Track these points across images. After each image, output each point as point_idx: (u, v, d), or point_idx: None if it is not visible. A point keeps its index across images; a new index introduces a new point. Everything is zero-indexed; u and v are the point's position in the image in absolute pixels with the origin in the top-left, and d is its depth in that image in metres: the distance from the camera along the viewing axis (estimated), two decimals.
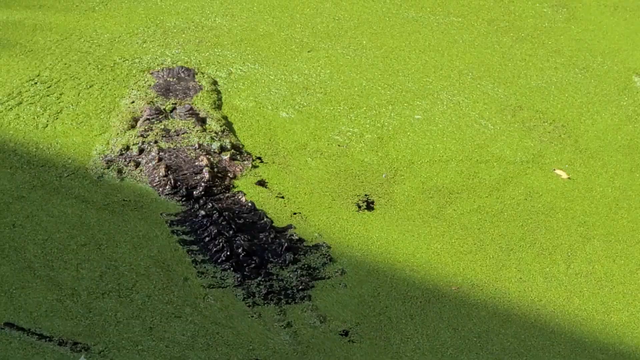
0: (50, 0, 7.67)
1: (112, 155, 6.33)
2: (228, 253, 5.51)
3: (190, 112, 6.82)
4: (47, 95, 6.58)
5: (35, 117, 6.35)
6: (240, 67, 7.26)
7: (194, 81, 7.23)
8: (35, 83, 6.66)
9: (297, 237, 5.70)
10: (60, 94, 6.63)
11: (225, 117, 6.81)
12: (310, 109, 6.68)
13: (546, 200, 5.87)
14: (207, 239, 5.64)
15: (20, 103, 6.43)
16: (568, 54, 7.54)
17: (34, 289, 4.74)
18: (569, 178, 6.09)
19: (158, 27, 7.64)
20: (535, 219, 5.71)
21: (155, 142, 6.49)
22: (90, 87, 6.81)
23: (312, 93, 6.83)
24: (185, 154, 6.43)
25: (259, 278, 5.38)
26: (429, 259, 5.37)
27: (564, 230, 5.65)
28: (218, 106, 6.97)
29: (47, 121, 6.32)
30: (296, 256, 5.59)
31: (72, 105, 6.55)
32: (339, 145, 6.25)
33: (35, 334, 4.47)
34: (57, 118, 6.37)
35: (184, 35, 7.57)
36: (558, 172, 6.13)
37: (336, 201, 5.74)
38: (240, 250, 5.53)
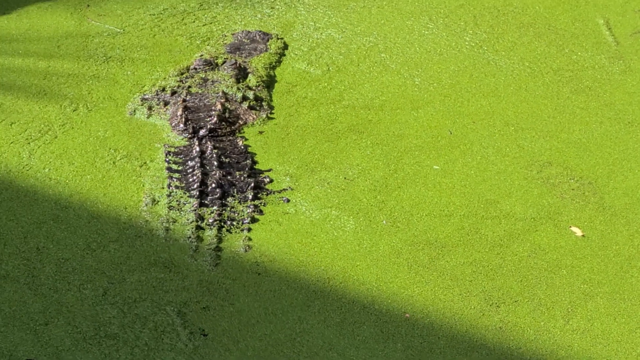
0: None
1: (149, 95, 7.51)
2: (198, 183, 6.45)
3: (234, 66, 7.95)
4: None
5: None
6: (318, 40, 8.47)
7: (265, 44, 8.43)
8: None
9: (268, 180, 6.65)
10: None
11: (269, 76, 7.94)
12: (343, 106, 7.45)
13: (552, 257, 6.02)
14: (189, 170, 6.63)
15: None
16: (618, 107, 7.68)
17: None
18: (583, 236, 6.21)
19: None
20: (537, 275, 5.87)
21: (189, 87, 7.68)
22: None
23: (354, 96, 7.58)
24: (207, 99, 7.53)
25: (214, 207, 6.29)
26: (398, 297, 5.70)
27: (566, 287, 5.81)
28: (271, 67, 8.12)
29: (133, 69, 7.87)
30: (258, 195, 6.50)
31: (152, 55, 8.03)
32: (345, 178, 6.65)
33: None
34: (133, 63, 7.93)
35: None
36: (574, 229, 6.27)
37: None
38: (209, 182, 6.48)
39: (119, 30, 8.39)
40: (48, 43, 8.10)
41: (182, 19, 8.83)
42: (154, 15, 8.75)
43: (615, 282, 5.88)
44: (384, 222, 6.24)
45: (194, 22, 8.72)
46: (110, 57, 8.02)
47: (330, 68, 8.09)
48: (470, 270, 5.90)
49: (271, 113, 7.53)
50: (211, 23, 8.68)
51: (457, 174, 6.72)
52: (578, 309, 5.66)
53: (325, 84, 7.85)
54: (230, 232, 6.16)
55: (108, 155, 6.83)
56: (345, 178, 6.62)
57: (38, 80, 7.54)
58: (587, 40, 8.66)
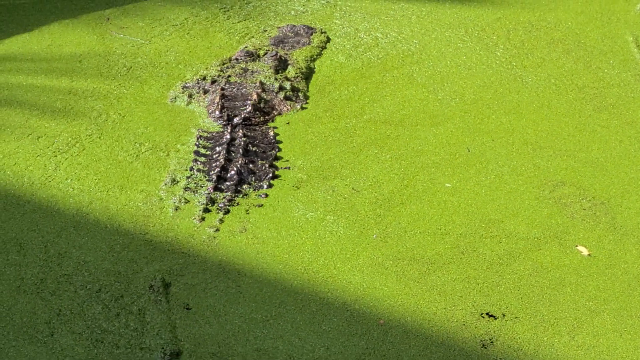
0: None
1: (190, 84, 7.90)
2: (219, 169, 6.72)
3: (274, 57, 8.31)
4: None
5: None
6: (362, 37, 8.97)
7: (308, 38, 8.85)
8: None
9: (287, 169, 6.94)
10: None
11: (309, 68, 8.36)
12: (365, 120, 7.60)
13: (555, 275, 6.01)
14: (215, 155, 6.91)
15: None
16: None
17: None
18: (589, 255, 6.21)
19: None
20: (539, 293, 5.86)
21: (229, 76, 8.04)
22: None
23: (375, 110, 7.79)
24: (244, 89, 7.84)
25: (229, 192, 6.60)
26: (378, 304, 5.79)
27: (570, 304, 5.80)
28: (312, 59, 8.54)
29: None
30: (274, 184, 6.76)
31: (186, 56, 8.47)
32: (352, 189, 6.78)
33: None
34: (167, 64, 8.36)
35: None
36: (580, 248, 6.27)
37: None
38: (230, 168, 6.77)
39: (143, 41, 8.67)
40: (70, 58, 8.42)
41: (212, 22, 9.16)
42: (176, 25, 9.05)
43: (622, 299, 5.86)
44: (374, 236, 6.33)
45: (228, 19, 9.22)
46: (135, 66, 8.31)
47: (363, 67, 8.46)
48: (461, 286, 5.93)
49: (306, 104, 7.83)
50: (241, 35, 9.01)
51: (466, 193, 6.76)
52: (584, 325, 5.66)
53: (352, 92, 8.05)
54: (232, 214, 6.48)
55: (133, 149, 7.16)
56: (353, 188, 6.76)
57: (63, 95, 7.83)
58: (615, 57, 8.67)
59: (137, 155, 7.08)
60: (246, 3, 9.68)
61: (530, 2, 9.84)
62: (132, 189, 6.71)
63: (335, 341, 5.52)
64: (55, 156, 7.03)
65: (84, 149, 7.10)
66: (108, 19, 9.05)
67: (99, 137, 7.28)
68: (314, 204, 6.61)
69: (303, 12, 9.49)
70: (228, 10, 9.46)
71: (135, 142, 7.24)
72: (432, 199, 6.69)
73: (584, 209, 6.65)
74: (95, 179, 6.79)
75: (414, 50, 8.80)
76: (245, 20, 9.30)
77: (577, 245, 6.30)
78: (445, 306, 5.77)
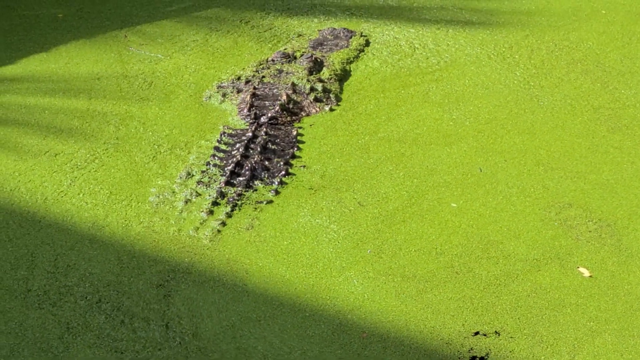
0: None
1: (225, 83, 8.17)
2: (234, 164, 6.92)
3: (310, 59, 8.53)
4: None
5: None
6: (402, 44, 9.26)
7: (347, 41, 9.06)
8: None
9: (302, 168, 7.11)
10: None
11: (344, 70, 8.57)
12: (378, 138, 7.74)
13: (554, 296, 6.02)
14: (234, 151, 7.12)
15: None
16: None
17: None
18: (590, 276, 6.21)
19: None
20: (538, 314, 5.87)
21: (263, 77, 8.28)
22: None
23: (389, 128, 7.89)
24: (276, 89, 8.07)
25: (239, 187, 6.76)
26: (369, 318, 5.89)
27: (570, 325, 5.82)
28: (348, 62, 8.76)
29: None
30: (285, 182, 6.93)
31: (214, 63, 8.80)
32: (358, 203, 6.88)
33: None
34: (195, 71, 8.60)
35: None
36: (581, 269, 6.28)
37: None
38: (244, 164, 6.96)
39: (162, 57, 8.88)
40: (88, 76, 8.61)
41: (238, 33, 9.38)
42: (196, 41, 9.25)
43: (624, 320, 5.87)
44: (369, 251, 6.41)
45: (252, 29, 9.46)
46: (157, 80, 8.52)
47: (393, 76, 8.69)
48: (455, 305, 5.97)
49: (336, 105, 8.04)
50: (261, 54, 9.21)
51: (470, 213, 6.81)
52: (584, 345, 5.67)
53: (375, 106, 8.17)
54: (240, 210, 6.68)
55: (151, 150, 7.41)
56: (359, 203, 6.87)
57: (81, 113, 8.01)
58: (633, 78, 8.67)
59: (153, 156, 7.31)
60: (266, 14, 9.89)
61: (556, 20, 9.89)
62: (147, 185, 6.97)
63: (314, 346, 5.65)
64: (72, 172, 7.21)
65: (103, 165, 7.29)
66: (126, 36, 9.26)
67: (116, 151, 7.46)
68: (320, 212, 6.74)
69: (342, 16, 9.78)
70: (249, 22, 9.66)
71: (155, 144, 7.47)
72: (434, 218, 6.75)
73: (590, 231, 6.66)
74: (108, 192, 6.97)
75: (442, 65, 8.92)
76: (270, 29, 9.50)
77: (578, 267, 6.31)
78: (434, 325, 5.84)
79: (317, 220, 6.66)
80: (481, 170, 7.28)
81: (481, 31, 9.65)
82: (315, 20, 9.75)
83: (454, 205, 6.90)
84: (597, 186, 7.16)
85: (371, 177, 7.19)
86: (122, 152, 7.43)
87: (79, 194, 6.93)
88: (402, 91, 8.44)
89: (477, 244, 6.50)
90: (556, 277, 6.21)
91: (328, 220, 6.67)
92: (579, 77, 8.71)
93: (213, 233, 6.42)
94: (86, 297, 5.96)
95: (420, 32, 9.59)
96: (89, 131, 7.74)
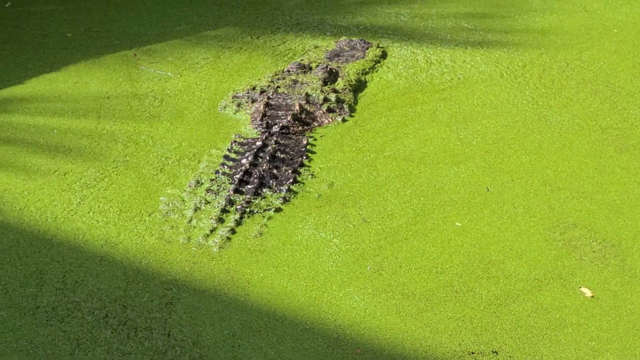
0: None
1: (240, 93, 8.26)
2: (242, 172, 7.03)
3: (325, 70, 8.62)
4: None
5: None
6: (419, 59, 9.42)
7: (363, 52, 9.14)
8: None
9: (310, 176, 7.21)
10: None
11: (359, 81, 8.67)
12: (384, 156, 7.78)
13: (555, 316, 6.01)
14: (243, 159, 7.23)
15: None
16: None
17: None
18: (592, 297, 6.21)
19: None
20: (538, 334, 5.87)
21: (277, 87, 8.36)
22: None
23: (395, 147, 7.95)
24: (290, 99, 8.16)
25: (248, 195, 6.87)
26: (368, 334, 5.93)
27: (572, 345, 5.81)
28: (363, 73, 8.84)
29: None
30: (293, 190, 7.04)
31: (226, 78, 8.89)
32: (363, 219, 6.93)
33: None
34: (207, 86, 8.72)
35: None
36: (583, 289, 6.28)
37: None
38: (253, 172, 7.05)
39: (172, 75, 8.99)
40: (98, 95, 8.73)
41: (250, 48, 9.48)
42: (207, 59, 9.36)
43: (626, 339, 5.87)
44: (369, 267, 6.45)
45: (265, 43, 9.59)
46: (167, 98, 8.63)
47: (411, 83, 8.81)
48: (454, 324, 5.98)
49: (349, 116, 8.13)
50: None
51: (473, 233, 6.84)
52: None
53: (384, 123, 8.21)
54: (249, 217, 6.81)
55: (159, 162, 7.52)
56: (363, 219, 6.93)
57: (89, 132, 8.12)
58: None
59: (161, 169, 7.42)
60: (276, 29, 10.00)
61: (570, 38, 9.94)
62: (157, 197, 7.10)
63: (307, 359, 5.70)
64: (82, 190, 7.31)
65: (112, 184, 7.38)
66: (135, 54, 9.37)
67: (125, 168, 7.55)
68: (324, 226, 6.82)
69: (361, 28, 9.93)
70: (260, 37, 9.78)
71: (162, 157, 7.58)
72: (437, 237, 6.79)
73: (594, 251, 6.66)
74: (118, 210, 7.06)
75: (454, 83, 8.99)
76: (283, 43, 9.60)
77: (580, 287, 6.31)
78: (431, 344, 5.85)
79: (320, 234, 6.73)
80: (489, 190, 7.31)
81: (498, 49, 9.71)
82: (328, 33, 9.85)
83: (459, 224, 6.93)
84: (602, 206, 7.16)
85: (378, 194, 7.24)
86: (132, 168, 7.53)
87: (88, 212, 7.02)
88: (410, 109, 8.50)
89: (479, 263, 6.53)
90: (557, 297, 6.21)
91: (331, 234, 6.73)
92: (588, 97, 8.73)
93: (222, 240, 6.51)
94: (93, 313, 6.04)
95: (439, 48, 9.68)
96: (98, 150, 7.85)
